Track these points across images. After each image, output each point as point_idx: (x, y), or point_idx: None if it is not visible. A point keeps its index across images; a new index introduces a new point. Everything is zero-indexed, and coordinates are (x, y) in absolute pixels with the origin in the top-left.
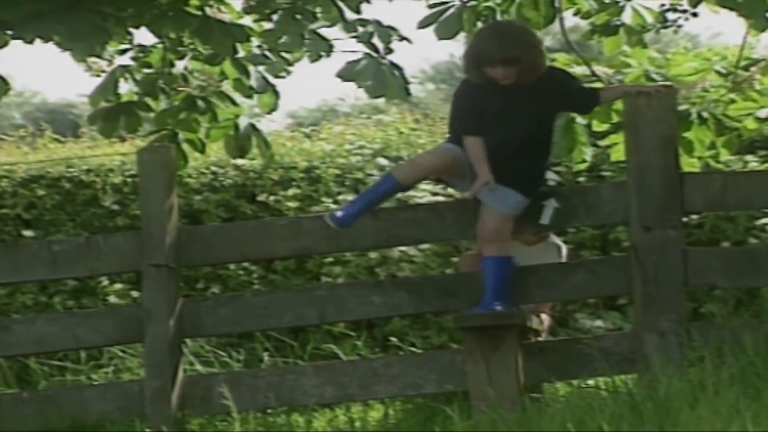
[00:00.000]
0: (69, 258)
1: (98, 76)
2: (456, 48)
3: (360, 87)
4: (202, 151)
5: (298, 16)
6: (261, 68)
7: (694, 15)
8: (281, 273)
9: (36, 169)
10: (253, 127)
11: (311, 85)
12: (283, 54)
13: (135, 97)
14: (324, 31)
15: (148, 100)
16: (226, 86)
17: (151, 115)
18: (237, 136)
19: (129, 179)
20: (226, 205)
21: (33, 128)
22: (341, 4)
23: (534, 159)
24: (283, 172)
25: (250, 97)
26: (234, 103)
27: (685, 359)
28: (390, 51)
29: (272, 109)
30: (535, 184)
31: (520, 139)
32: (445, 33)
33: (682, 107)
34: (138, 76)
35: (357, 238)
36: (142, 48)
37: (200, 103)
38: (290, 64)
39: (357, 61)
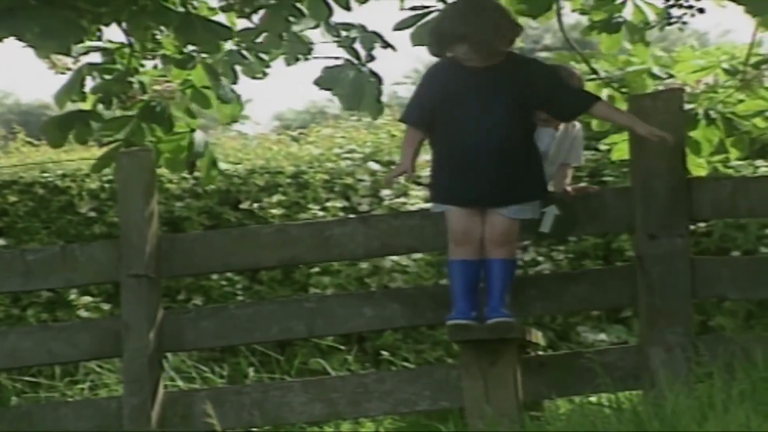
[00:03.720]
0: (43, 268)
1: (63, 73)
2: None
3: (336, 96)
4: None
5: (284, 12)
6: (238, 68)
7: (701, 11)
8: (267, 284)
9: (8, 174)
10: (206, 143)
11: (299, 85)
12: (261, 54)
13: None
14: (305, 35)
15: (101, 110)
16: (181, 96)
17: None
18: (190, 150)
19: (106, 185)
20: (209, 212)
21: (5, 131)
22: (330, 1)
23: (523, 158)
24: (269, 178)
25: (209, 107)
26: (192, 115)
27: (692, 375)
28: (372, 58)
29: (233, 120)
30: (540, 180)
31: (500, 135)
32: (421, 40)
33: (688, 106)
34: (106, 77)
35: (347, 247)
36: (107, 51)
37: (160, 111)
38: (268, 66)
39: (335, 68)
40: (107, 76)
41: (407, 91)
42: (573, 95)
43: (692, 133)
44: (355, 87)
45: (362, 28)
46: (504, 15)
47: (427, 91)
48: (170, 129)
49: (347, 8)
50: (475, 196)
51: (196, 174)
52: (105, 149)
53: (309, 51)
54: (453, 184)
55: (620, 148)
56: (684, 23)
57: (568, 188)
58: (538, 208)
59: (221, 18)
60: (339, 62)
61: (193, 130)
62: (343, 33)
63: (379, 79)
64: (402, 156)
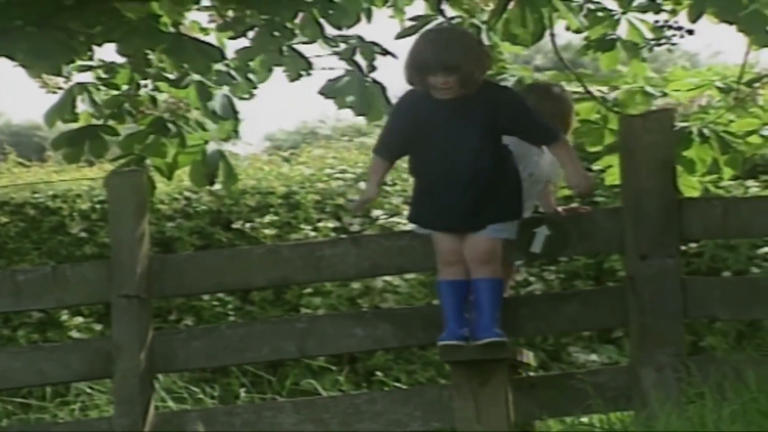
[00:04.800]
0: (34, 288)
1: (54, 92)
2: None
3: (341, 106)
4: (170, 177)
5: (276, 33)
6: (226, 89)
7: (690, 32)
8: (258, 304)
9: None
10: (221, 153)
11: (290, 106)
12: (249, 75)
13: (92, 119)
14: (305, 48)
15: (114, 124)
16: (195, 111)
17: (118, 139)
18: (204, 162)
19: (97, 205)
20: (201, 232)
21: None
22: (321, 20)
23: (496, 183)
24: (261, 198)
25: (215, 122)
26: (203, 128)
27: (683, 395)
28: (373, 68)
29: (231, 136)
30: (513, 201)
31: (472, 163)
32: None
33: (682, 124)
34: (97, 96)
35: (338, 268)
36: (108, 67)
37: (171, 126)
38: (255, 87)
39: (340, 77)
40: (114, 92)
41: None
42: (538, 129)
43: (686, 152)
44: (362, 94)
45: (359, 38)
46: (481, 44)
47: (397, 124)
48: (183, 143)
49: (338, 27)
50: (450, 224)
51: (188, 195)
52: (117, 164)
53: (310, 66)
54: (430, 211)
55: (613, 172)
56: (673, 44)
57: (559, 208)
58: (515, 228)
59: (212, 39)
60: (340, 73)
61: (206, 142)
62: (341, 45)
63: (382, 88)
64: (367, 184)
